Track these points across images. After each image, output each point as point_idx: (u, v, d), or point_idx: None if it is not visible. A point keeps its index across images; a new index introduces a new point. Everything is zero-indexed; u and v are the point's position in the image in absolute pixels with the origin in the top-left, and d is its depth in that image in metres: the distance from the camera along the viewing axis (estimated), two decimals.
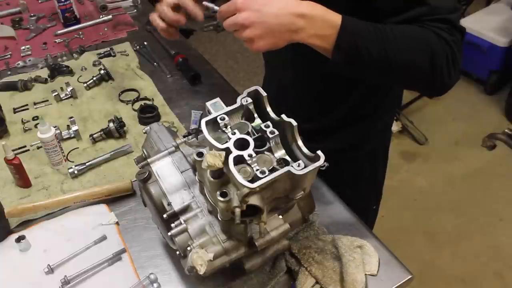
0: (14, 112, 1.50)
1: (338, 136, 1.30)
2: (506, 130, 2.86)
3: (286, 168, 0.77)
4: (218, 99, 0.90)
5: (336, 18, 0.88)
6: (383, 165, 1.46)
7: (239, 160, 0.78)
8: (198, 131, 0.97)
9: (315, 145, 0.82)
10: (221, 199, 0.77)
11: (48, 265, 1.03)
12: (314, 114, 1.27)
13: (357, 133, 1.30)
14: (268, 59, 1.42)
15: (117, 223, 1.14)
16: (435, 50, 0.89)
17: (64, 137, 1.38)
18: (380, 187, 1.52)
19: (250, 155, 0.79)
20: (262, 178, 0.75)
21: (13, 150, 1.26)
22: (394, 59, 0.89)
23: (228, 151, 0.78)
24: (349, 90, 1.20)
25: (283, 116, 0.84)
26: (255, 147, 0.80)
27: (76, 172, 1.27)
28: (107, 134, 1.37)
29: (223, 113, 0.84)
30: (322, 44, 0.90)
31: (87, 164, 1.29)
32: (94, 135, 1.37)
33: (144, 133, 1.05)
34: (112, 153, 1.32)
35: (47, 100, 1.53)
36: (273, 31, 0.87)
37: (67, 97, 1.53)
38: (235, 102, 0.86)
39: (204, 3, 1.02)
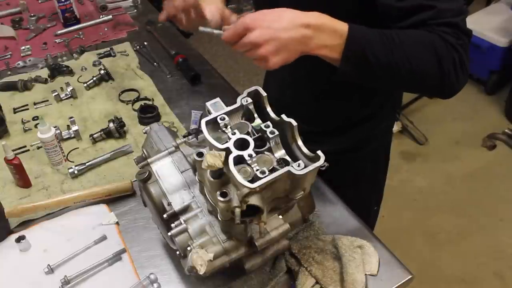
0: (14, 112, 1.50)
1: (340, 138, 1.30)
2: (506, 130, 2.87)
3: (286, 168, 0.77)
4: (218, 99, 0.90)
5: (343, 27, 0.88)
6: (384, 166, 1.46)
7: (239, 160, 0.78)
8: (198, 131, 0.97)
9: (316, 147, 0.81)
10: (221, 199, 0.77)
11: (48, 265, 1.03)
12: (315, 116, 1.27)
13: (358, 135, 1.30)
14: None
15: (117, 223, 1.14)
16: (441, 55, 0.88)
17: (64, 137, 1.38)
18: (381, 188, 1.52)
19: (250, 155, 0.79)
20: (262, 178, 0.75)
21: (13, 150, 1.26)
22: (402, 65, 0.88)
23: (228, 151, 0.78)
24: (350, 92, 1.20)
25: (283, 116, 0.84)
26: (255, 147, 0.80)
27: (76, 172, 1.27)
28: (107, 134, 1.37)
29: (223, 113, 0.84)
30: (330, 54, 0.89)
31: (87, 164, 1.28)
32: (94, 135, 1.37)
33: (144, 133, 1.05)
34: (112, 153, 1.32)
35: (47, 100, 1.53)
36: (286, 46, 0.86)
37: (67, 97, 1.53)
38: (235, 102, 0.86)
39: (200, 28, 1.02)
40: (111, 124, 1.36)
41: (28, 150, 1.36)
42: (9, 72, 1.66)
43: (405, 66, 0.89)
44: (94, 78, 1.57)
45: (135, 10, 1.99)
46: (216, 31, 0.97)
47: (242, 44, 0.88)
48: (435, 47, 0.88)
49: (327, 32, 0.88)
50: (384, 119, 1.33)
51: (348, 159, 1.29)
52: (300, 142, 0.82)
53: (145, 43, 1.77)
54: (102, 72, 1.58)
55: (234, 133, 0.81)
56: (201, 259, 0.84)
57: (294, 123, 0.82)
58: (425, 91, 1.05)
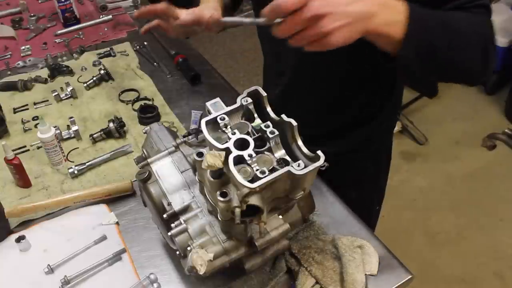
0: (14, 112, 1.50)
1: (340, 140, 1.29)
2: (506, 130, 2.87)
3: (286, 168, 0.77)
4: (218, 99, 0.90)
5: (401, 4, 0.83)
6: (386, 166, 1.46)
7: (239, 160, 0.78)
8: (198, 131, 0.97)
9: (316, 148, 0.81)
10: (221, 199, 0.77)
11: (48, 265, 1.03)
12: (317, 119, 1.26)
13: (359, 137, 1.30)
14: (269, 63, 1.41)
15: (117, 223, 1.14)
16: (487, 43, 0.89)
17: (64, 137, 1.38)
18: (383, 188, 1.52)
19: (250, 155, 0.79)
20: (262, 178, 0.75)
21: (13, 150, 1.26)
22: (455, 47, 0.87)
23: (228, 151, 0.78)
24: (352, 95, 1.20)
25: (283, 116, 0.84)
26: (255, 147, 0.80)
27: (76, 172, 1.27)
28: (107, 134, 1.37)
29: (223, 113, 0.84)
30: (392, 31, 0.82)
31: (87, 164, 1.28)
32: (94, 135, 1.37)
33: (144, 133, 1.05)
34: (112, 153, 1.32)
35: (47, 100, 1.53)
36: (351, 20, 0.76)
37: (67, 97, 1.53)
38: (235, 102, 0.86)
39: (225, 19, 0.97)
40: (111, 124, 1.36)
41: (28, 150, 1.36)
42: (9, 72, 1.66)
43: (457, 47, 0.87)
44: (94, 78, 1.57)
45: (135, 10, 1.99)
46: (247, 20, 0.86)
47: (300, 19, 0.75)
48: (485, 34, 0.89)
49: (389, 8, 0.81)
50: (385, 120, 1.33)
51: (349, 159, 1.29)
52: (300, 142, 0.82)
53: (145, 43, 1.77)
54: (102, 72, 1.58)
55: (234, 133, 0.81)
56: (201, 259, 0.84)
57: (294, 123, 0.82)
58: (463, 79, 0.98)
